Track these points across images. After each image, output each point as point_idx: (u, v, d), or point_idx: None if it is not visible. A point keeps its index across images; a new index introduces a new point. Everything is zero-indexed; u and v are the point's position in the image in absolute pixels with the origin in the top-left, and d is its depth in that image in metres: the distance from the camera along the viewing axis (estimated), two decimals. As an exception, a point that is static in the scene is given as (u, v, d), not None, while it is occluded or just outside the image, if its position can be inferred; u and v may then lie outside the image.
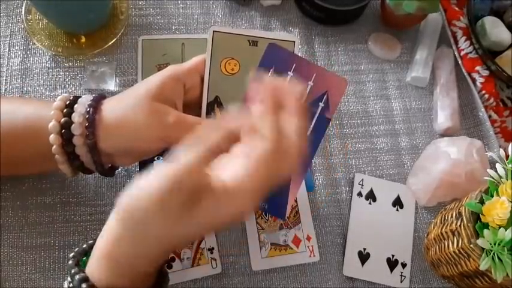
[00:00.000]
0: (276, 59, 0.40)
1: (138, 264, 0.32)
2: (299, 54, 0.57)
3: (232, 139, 0.33)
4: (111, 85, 0.54)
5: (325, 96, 0.40)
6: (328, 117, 0.40)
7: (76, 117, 0.39)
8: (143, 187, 0.30)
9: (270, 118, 0.32)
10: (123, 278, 0.32)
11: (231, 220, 0.31)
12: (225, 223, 0.31)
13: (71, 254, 0.34)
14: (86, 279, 0.31)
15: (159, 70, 0.54)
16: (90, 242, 0.36)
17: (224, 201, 0.30)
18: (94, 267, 0.32)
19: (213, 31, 0.41)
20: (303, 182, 0.51)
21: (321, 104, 0.40)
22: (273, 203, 0.41)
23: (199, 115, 0.42)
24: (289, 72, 0.40)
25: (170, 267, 0.47)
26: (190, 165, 0.30)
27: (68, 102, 0.40)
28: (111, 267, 0.32)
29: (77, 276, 0.31)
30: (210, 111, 0.41)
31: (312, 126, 0.40)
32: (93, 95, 0.41)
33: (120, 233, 0.31)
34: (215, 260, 0.48)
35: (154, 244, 0.32)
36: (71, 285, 0.32)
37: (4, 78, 0.53)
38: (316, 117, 0.40)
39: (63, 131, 0.39)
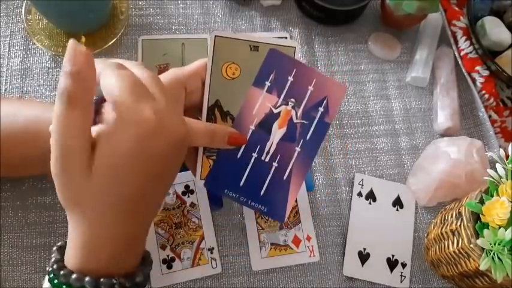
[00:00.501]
0: (277, 64, 0.41)
1: (117, 249, 0.32)
2: (300, 58, 0.58)
3: None
4: (111, 85, 0.54)
5: (324, 101, 0.41)
6: (327, 122, 0.41)
7: None
8: None
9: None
10: (105, 263, 0.32)
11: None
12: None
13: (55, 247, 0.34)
14: (63, 266, 0.32)
15: (159, 70, 0.54)
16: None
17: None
18: (72, 260, 0.32)
19: (215, 36, 0.41)
20: (303, 185, 0.51)
21: (321, 109, 0.41)
22: (273, 206, 0.41)
23: (199, 119, 0.43)
24: (289, 77, 0.40)
25: (170, 267, 0.47)
26: None
27: None
28: (89, 258, 0.32)
29: (55, 266, 0.32)
30: (210, 114, 0.41)
31: (311, 130, 0.41)
32: (95, 98, 0.41)
33: (96, 229, 0.31)
34: (215, 260, 0.48)
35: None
36: (50, 269, 0.32)
37: (4, 78, 0.53)
38: (316, 121, 0.41)
39: None
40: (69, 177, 0.29)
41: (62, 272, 0.31)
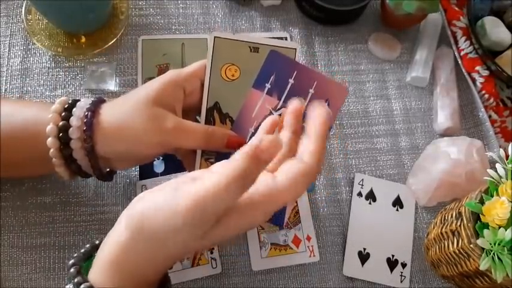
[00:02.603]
0: (277, 66, 0.40)
1: (144, 272, 0.32)
2: (300, 58, 0.57)
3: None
4: (111, 85, 0.54)
5: (326, 104, 0.40)
6: None
7: (74, 120, 0.39)
8: (164, 204, 0.30)
9: (312, 145, 0.33)
10: (127, 284, 0.32)
11: (247, 230, 0.31)
12: (240, 233, 0.31)
13: (71, 261, 0.34)
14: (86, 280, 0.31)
15: (159, 70, 0.54)
16: (96, 242, 0.36)
17: (247, 215, 0.30)
18: (98, 273, 0.32)
19: (214, 37, 0.41)
20: None
21: None
22: None
23: (198, 121, 0.42)
24: (290, 80, 0.40)
25: (170, 267, 0.47)
26: (219, 190, 0.29)
27: (66, 106, 0.40)
28: (115, 274, 0.31)
29: (82, 286, 0.31)
30: (209, 116, 0.41)
31: None
32: (92, 99, 0.41)
33: (130, 242, 0.31)
34: (215, 260, 0.48)
35: (167, 257, 0.32)
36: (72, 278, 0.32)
37: (4, 78, 0.53)
38: None
39: (61, 134, 0.38)
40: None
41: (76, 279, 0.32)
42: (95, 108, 0.40)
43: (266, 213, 0.31)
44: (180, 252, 0.32)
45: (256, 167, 0.29)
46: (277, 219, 0.41)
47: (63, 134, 0.38)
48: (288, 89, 0.40)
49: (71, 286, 0.31)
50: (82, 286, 0.31)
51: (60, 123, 0.39)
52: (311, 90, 0.40)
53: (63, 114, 0.39)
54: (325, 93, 0.40)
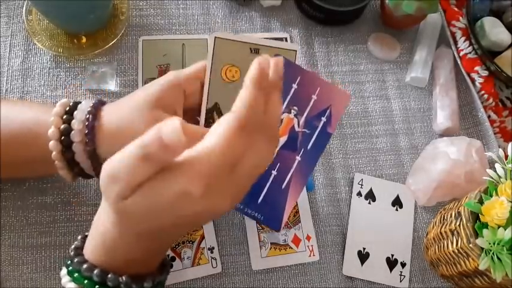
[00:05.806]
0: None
1: (133, 256, 0.33)
2: (300, 59, 0.57)
3: None
4: (111, 85, 0.54)
5: (328, 111, 0.40)
6: (329, 132, 0.40)
7: (75, 124, 0.39)
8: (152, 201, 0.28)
9: (243, 93, 0.30)
10: (119, 262, 0.32)
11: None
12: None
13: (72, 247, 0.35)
14: (80, 254, 0.33)
15: (159, 70, 0.55)
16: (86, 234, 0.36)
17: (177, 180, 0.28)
18: (89, 250, 0.33)
19: (215, 37, 0.41)
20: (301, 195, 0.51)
21: (323, 119, 0.40)
22: (269, 214, 0.40)
23: (198, 120, 0.42)
24: (293, 85, 0.40)
25: (171, 266, 0.47)
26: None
27: (67, 109, 0.40)
28: (106, 258, 0.32)
29: (72, 252, 0.33)
30: (209, 117, 0.41)
31: (313, 140, 0.40)
32: (93, 102, 0.41)
33: (117, 237, 0.31)
34: (215, 259, 0.48)
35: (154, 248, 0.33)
36: (68, 261, 0.33)
37: (5, 78, 0.53)
38: (318, 131, 0.40)
39: (63, 137, 0.39)
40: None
41: (76, 260, 0.32)
42: (96, 111, 0.40)
43: (202, 173, 0.28)
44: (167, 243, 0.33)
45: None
46: (274, 224, 0.41)
47: (65, 138, 0.39)
48: (291, 94, 0.40)
49: (69, 262, 0.33)
50: (72, 253, 0.33)
51: (62, 127, 0.39)
52: (314, 96, 0.40)
53: (64, 117, 0.39)
54: (328, 99, 0.40)
